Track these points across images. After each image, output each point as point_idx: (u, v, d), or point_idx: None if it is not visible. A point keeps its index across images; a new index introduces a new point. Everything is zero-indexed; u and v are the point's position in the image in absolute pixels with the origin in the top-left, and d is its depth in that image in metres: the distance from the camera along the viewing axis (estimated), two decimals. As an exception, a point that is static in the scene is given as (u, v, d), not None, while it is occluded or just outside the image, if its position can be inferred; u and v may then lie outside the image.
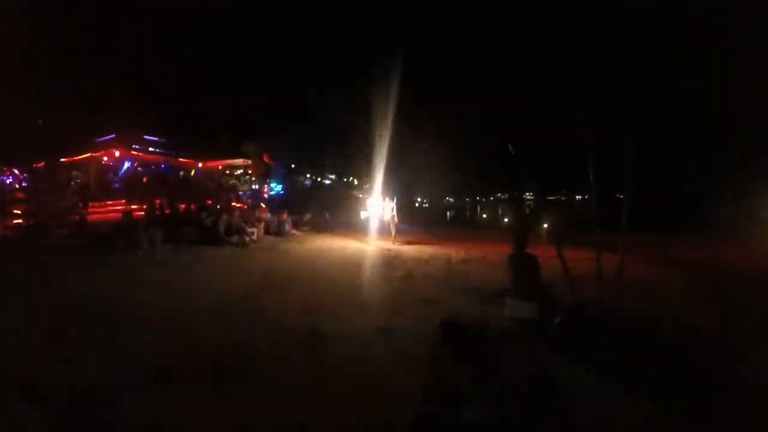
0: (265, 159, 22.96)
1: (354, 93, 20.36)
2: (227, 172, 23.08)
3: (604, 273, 5.88)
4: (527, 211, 42.24)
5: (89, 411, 3.28)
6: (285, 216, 15.29)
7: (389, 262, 10.89)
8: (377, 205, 15.68)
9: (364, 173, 20.00)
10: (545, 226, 15.93)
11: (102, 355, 4.28)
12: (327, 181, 27.99)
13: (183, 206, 14.64)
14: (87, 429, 3.15)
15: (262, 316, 5.84)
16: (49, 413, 3.24)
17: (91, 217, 13.90)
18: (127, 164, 19.46)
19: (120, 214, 12.86)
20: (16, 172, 17.93)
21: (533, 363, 4.40)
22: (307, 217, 18.21)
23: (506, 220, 35.77)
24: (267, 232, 14.88)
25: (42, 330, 4.96)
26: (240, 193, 21.35)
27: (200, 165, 22.20)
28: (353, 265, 10.41)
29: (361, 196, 17.74)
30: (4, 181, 17.85)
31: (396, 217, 14.88)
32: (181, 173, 21.74)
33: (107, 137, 19.01)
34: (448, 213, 44.28)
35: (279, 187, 24.86)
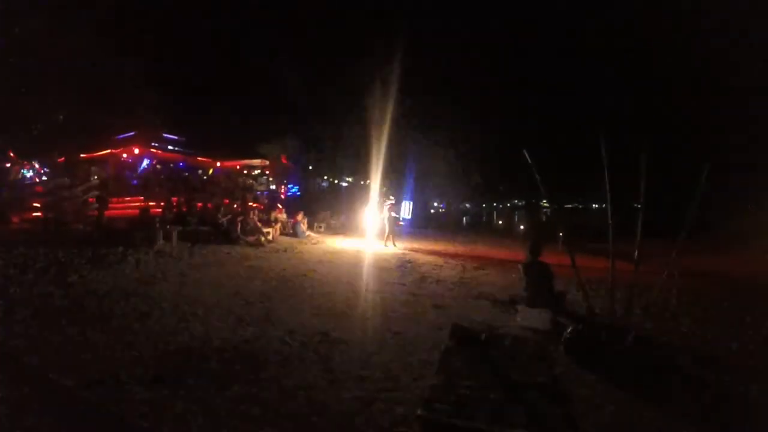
0: (283, 160, 22.95)
1: (372, 98, 20.24)
2: (245, 172, 23.12)
3: (618, 283, 5.75)
4: (544, 218, 41.80)
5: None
6: (301, 217, 15.19)
7: (403, 266, 10.77)
8: (384, 207, 15.53)
9: (381, 177, 19.85)
10: (561, 234, 15.62)
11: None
12: (344, 184, 27.89)
13: (200, 204, 14.62)
14: None
15: (273, 317, 5.76)
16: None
17: (108, 213, 13.91)
18: (146, 161, 19.57)
19: (137, 211, 12.85)
20: (37, 166, 18.12)
21: (543, 372, 4.25)
22: (323, 218, 18.10)
23: (522, 227, 35.32)
24: (283, 232, 14.80)
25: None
26: (257, 193, 21.35)
27: (218, 164, 22.27)
28: (367, 268, 10.21)
29: (378, 199, 17.58)
30: (24, 175, 18.06)
31: (392, 218, 14.71)
32: (200, 172, 21.82)
33: (127, 134, 19.15)
34: (464, 218, 43.88)
35: (296, 188, 24.83)
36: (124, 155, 19.14)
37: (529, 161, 7.15)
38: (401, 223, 19.39)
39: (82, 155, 18.10)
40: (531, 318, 5.53)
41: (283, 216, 15.78)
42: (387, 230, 14.44)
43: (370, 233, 15.45)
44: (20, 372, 3.71)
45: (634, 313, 6.45)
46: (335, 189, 27.48)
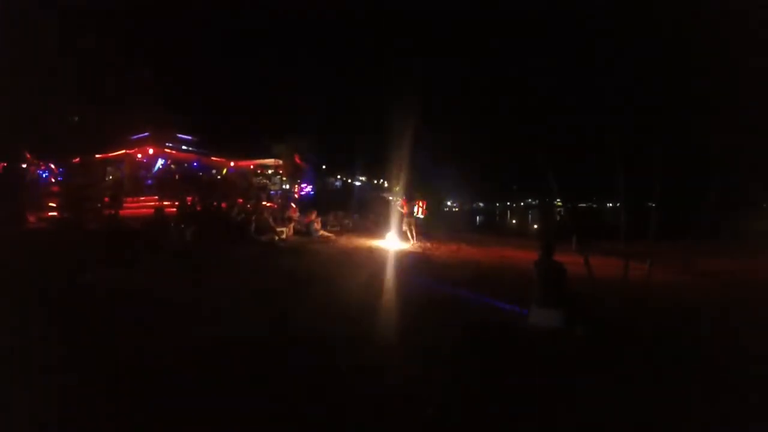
0: (297, 159, 22.92)
1: (385, 96, 20.20)
2: (259, 171, 23.13)
3: (630, 283, 5.67)
4: (557, 218, 41.55)
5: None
6: (314, 216, 15.10)
7: (417, 265, 10.70)
8: (399, 207, 15.50)
9: (394, 176, 19.78)
10: (575, 236, 15.40)
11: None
12: (357, 183, 27.83)
13: (214, 204, 14.60)
14: None
15: (286, 316, 5.70)
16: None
17: (123, 212, 13.97)
18: (160, 161, 19.64)
19: (152, 210, 12.87)
20: (53, 166, 18.27)
21: (553, 371, 4.31)
22: (337, 217, 18.00)
23: (536, 226, 35.06)
24: (296, 231, 14.72)
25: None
26: (271, 192, 21.34)
27: (232, 164, 22.28)
28: (379, 267, 10.10)
29: (390, 198, 17.48)
30: (40, 175, 18.22)
31: (414, 218, 14.74)
32: (214, 171, 21.88)
33: (141, 135, 19.23)
34: (477, 218, 43.66)
35: (309, 188, 24.78)
36: (139, 155, 19.21)
37: (543, 161, 7.07)
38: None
39: (97, 155, 18.22)
40: (543, 317, 5.52)
41: (296, 215, 15.71)
42: (408, 229, 14.48)
43: (383, 232, 15.36)
44: (22, 371, 3.68)
45: (645, 312, 6.44)
46: (349, 188, 27.44)
